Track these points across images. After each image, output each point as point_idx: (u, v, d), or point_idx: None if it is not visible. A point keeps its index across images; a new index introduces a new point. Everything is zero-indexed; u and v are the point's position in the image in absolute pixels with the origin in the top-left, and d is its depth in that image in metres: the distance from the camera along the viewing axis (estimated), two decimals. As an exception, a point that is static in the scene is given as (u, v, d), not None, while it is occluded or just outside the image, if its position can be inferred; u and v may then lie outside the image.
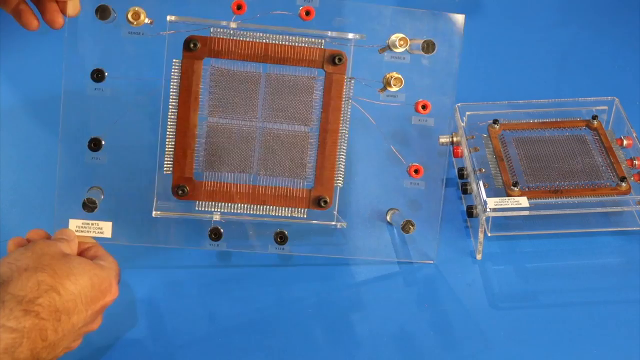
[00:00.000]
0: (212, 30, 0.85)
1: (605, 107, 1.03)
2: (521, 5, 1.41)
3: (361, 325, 0.85)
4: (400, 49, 0.86)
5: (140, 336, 0.84)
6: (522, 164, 0.97)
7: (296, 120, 0.88)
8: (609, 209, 0.91)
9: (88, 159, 0.87)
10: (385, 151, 0.91)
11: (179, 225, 0.91)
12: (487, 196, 0.91)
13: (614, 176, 0.94)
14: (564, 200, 0.91)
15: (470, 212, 0.93)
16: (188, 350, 0.83)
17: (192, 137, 0.87)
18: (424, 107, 0.88)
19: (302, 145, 0.88)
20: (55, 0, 0.82)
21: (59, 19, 0.83)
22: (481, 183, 0.93)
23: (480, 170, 0.96)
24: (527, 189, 0.93)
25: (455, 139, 1.02)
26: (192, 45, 0.84)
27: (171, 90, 0.86)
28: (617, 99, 1.03)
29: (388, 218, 0.95)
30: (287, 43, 0.86)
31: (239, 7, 0.85)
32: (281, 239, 0.88)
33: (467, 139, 1.00)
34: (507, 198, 0.91)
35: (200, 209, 0.88)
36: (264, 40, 0.86)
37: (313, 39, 0.86)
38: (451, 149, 1.03)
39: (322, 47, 0.86)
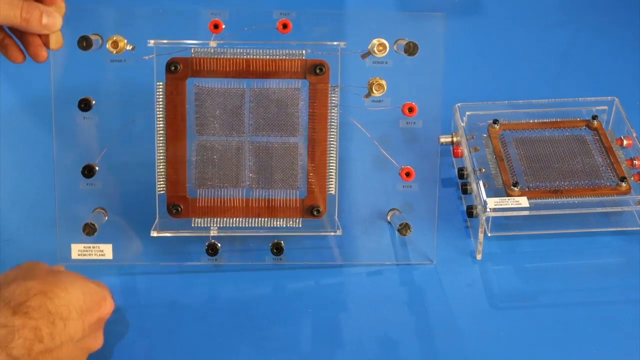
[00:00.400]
0: (193, 51, 0.86)
1: (605, 107, 1.03)
2: (521, 5, 1.41)
3: (361, 325, 0.85)
4: (380, 55, 0.86)
5: (132, 344, 0.85)
6: (522, 164, 0.97)
7: (284, 131, 0.89)
8: (609, 209, 0.91)
9: (83, 186, 0.89)
10: (377, 156, 0.91)
11: (178, 242, 0.92)
12: (487, 196, 0.91)
13: (614, 176, 0.94)
14: (564, 200, 0.91)
15: (470, 212, 0.93)
16: (182, 348, 0.83)
17: (182, 157, 0.88)
18: (410, 109, 0.88)
19: (292, 156, 0.89)
20: (38, 35, 0.83)
21: (43, 53, 0.84)
22: (481, 183, 0.93)
23: (480, 170, 0.96)
24: (527, 189, 0.93)
25: (455, 139, 1.02)
26: (173, 67, 0.86)
27: (157, 112, 0.87)
28: (617, 99, 1.03)
29: (388, 218, 0.95)
30: (268, 57, 0.86)
31: (216, 27, 0.86)
32: (277, 249, 0.89)
33: (467, 139, 1.00)
34: (507, 198, 0.91)
35: (196, 225, 0.90)
36: (245, 56, 0.86)
37: (294, 51, 0.87)
38: (450, 148, 1.03)
39: (304, 57, 0.87)
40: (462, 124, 1.03)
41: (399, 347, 0.83)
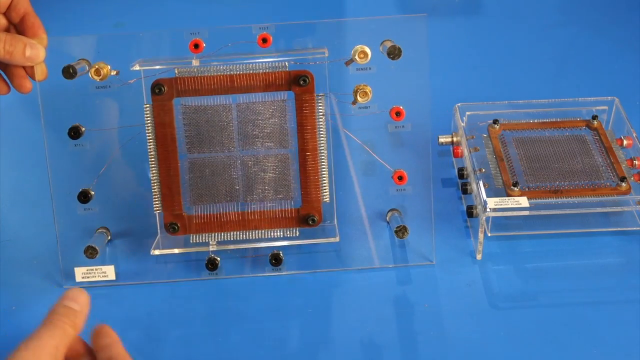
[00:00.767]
0: (177, 71, 0.87)
1: (605, 107, 1.04)
2: (521, 5, 1.41)
3: (361, 325, 0.85)
4: (362, 61, 0.86)
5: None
6: (522, 164, 0.97)
7: (274, 144, 0.89)
8: (609, 209, 0.91)
9: (80, 211, 0.90)
10: (370, 161, 0.92)
11: (178, 258, 0.93)
12: (487, 196, 0.91)
13: (614, 176, 0.94)
14: (564, 200, 0.91)
15: (470, 212, 0.93)
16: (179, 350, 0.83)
17: (175, 176, 0.89)
18: (398, 114, 0.88)
19: (284, 167, 0.90)
20: (22, 66, 0.83)
21: (27, 84, 0.84)
22: (481, 183, 0.93)
23: (480, 170, 0.96)
24: (527, 189, 0.93)
25: (455, 139, 1.02)
26: (157, 90, 0.86)
27: (147, 134, 0.88)
28: (617, 99, 1.03)
29: (387, 219, 0.96)
30: (251, 71, 0.87)
31: (197, 46, 0.87)
32: (276, 260, 0.90)
33: (467, 139, 1.00)
34: (507, 198, 0.91)
35: (194, 241, 0.90)
36: (228, 73, 0.87)
37: (276, 63, 0.87)
38: (450, 148, 1.03)
39: (287, 69, 0.87)
40: (462, 124, 1.03)
41: (399, 347, 0.83)
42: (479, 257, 0.92)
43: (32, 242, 0.96)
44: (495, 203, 0.90)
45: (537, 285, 0.89)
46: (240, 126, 0.89)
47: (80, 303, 0.65)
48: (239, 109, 0.88)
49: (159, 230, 0.92)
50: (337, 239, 0.92)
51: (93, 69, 0.86)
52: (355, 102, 0.88)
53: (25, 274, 0.92)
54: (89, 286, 0.90)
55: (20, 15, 0.82)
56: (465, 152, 0.99)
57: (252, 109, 0.88)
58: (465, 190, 0.98)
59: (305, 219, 0.90)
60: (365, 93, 0.87)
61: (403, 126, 0.89)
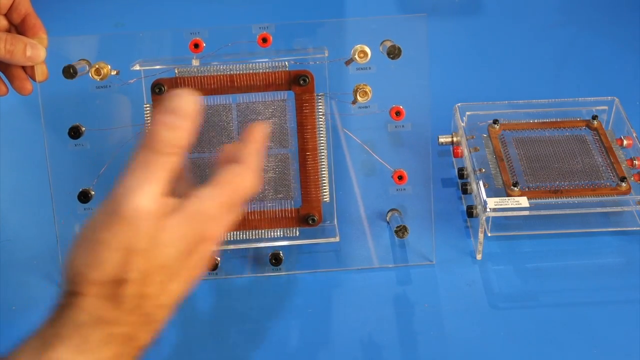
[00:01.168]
0: (177, 71, 0.87)
1: (605, 107, 1.04)
2: (521, 5, 1.41)
3: (361, 325, 0.85)
4: (362, 61, 0.86)
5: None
6: (522, 164, 0.97)
7: (274, 144, 0.89)
8: (609, 209, 0.91)
9: (80, 211, 0.90)
10: (370, 161, 0.92)
11: None
12: (487, 196, 0.91)
13: (614, 176, 0.94)
14: (564, 200, 0.91)
15: (470, 212, 0.93)
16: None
17: None
18: (398, 113, 0.88)
19: (284, 167, 0.90)
20: (22, 68, 0.83)
21: (27, 86, 0.84)
22: (481, 183, 0.93)
23: (480, 170, 0.96)
24: (527, 189, 0.93)
25: (455, 139, 1.02)
26: (157, 90, 0.86)
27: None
28: (617, 99, 1.03)
29: (388, 219, 0.96)
30: (251, 71, 0.87)
31: (197, 46, 0.87)
32: (276, 260, 0.90)
33: (467, 139, 1.00)
34: (507, 198, 0.91)
35: None
36: (228, 72, 0.87)
37: (277, 63, 0.87)
38: (450, 148, 1.03)
39: (287, 69, 0.87)
40: (462, 124, 1.03)
41: (399, 347, 0.83)
42: (479, 257, 0.92)
43: (32, 242, 0.96)
44: (495, 203, 0.90)
45: (537, 285, 0.89)
46: (240, 126, 0.89)
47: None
48: (239, 108, 0.89)
49: None
50: (337, 239, 0.92)
51: (93, 69, 0.86)
52: (355, 101, 0.88)
53: (25, 274, 0.92)
54: None
55: (21, 16, 0.82)
56: (465, 152, 0.99)
57: (252, 108, 0.88)
58: (465, 190, 0.98)
59: (305, 218, 0.90)
60: (365, 92, 0.87)
61: (403, 126, 0.89)
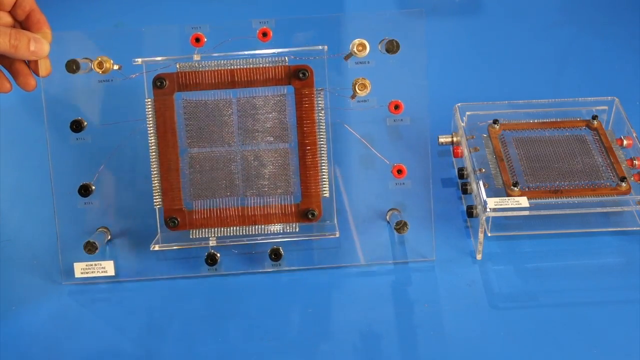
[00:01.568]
0: (178, 66, 0.87)
1: (605, 107, 1.04)
2: (521, 5, 1.41)
3: (360, 325, 0.85)
4: (360, 55, 0.86)
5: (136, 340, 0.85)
6: (522, 164, 0.97)
7: (274, 138, 0.89)
8: (609, 209, 0.91)
9: (80, 205, 0.91)
10: (369, 155, 0.92)
11: (178, 254, 0.93)
12: (487, 196, 0.91)
13: (614, 176, 0.94)
14: (564, 200, 0.91)
15: (470, 212, 0.93)
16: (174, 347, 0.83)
17: (175, 170, 0.89)
18: (396, 107, 0.88)
19: (284, 162, 0.90)
20: (26, 63, 0.83)
21: (31, 82, 0.84)
22: (481, 183, 0.93)
23: (480, 170, 0.96)
24: (527, 189, 0.93)
25: (455, 139, 1.02)
26: (159, 83, 0.87)
27: (148, 128, 0.88)
28: (617, 99, 1.03)
29: (387, 218, 0.95)
30: (251, 66, 0.87)
31: (198, 40, 0.88)
32: (276, 255, 0.90)
33: (467, 139, 1.00)
34: (507, 198, 0.91)
35: (194, 236, 0.90)
36: (229, 67, 0.87)
37: (276, 58, 0.87)
38: (450, 148, 1.03)
39: (287, 64, 0.87)
40: (462, 124, 1.03)
41: (399, 346, 0.83)
42: (479, 257, 0.92)
43: (32, 242, 0.97)
44: (495, 203, 0.90)
45: (537, 285, 0.89)
46: (240, 120, 0.89)
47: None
48: (239, 103, 0.89)
49: (158, 226, 0.91)
50: (336, 235, 0.91)
51: (96, 62, 0.86)
52: (354, 95, 0.88)
53: (25, 273, 0.93)
54: (89, 282, 0.91)
55: (25, 12, 0.83)
56: (465, 152, 0.99)
57: (252, 103, 0.88)
58: (465, 190, 0.98)
59: (305, 213, 0.90)
60: (364, 85, 0.87)
61: (402, 119, 0.90)
